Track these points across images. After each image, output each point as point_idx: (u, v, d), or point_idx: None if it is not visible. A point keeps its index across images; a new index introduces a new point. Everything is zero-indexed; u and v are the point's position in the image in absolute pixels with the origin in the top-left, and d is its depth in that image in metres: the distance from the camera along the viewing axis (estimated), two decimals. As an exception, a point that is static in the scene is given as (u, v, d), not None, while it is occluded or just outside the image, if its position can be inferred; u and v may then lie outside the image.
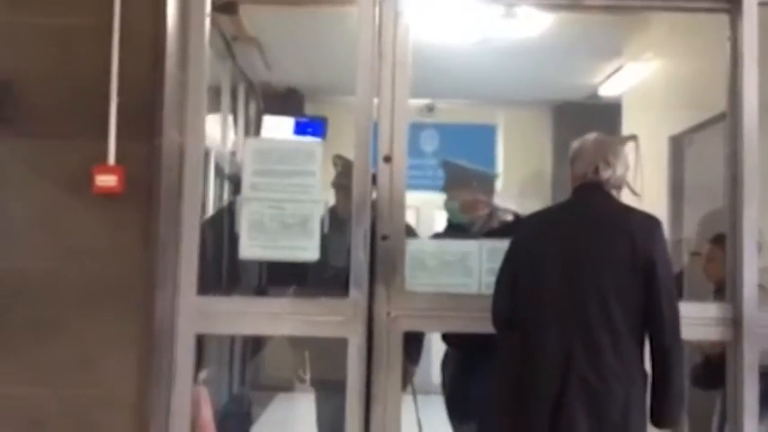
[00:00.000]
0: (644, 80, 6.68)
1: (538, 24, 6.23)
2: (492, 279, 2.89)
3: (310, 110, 8.76)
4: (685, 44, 5.73)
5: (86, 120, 2.80)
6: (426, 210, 7.40)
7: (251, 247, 3.10)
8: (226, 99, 7.25)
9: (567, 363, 2.56)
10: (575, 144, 2.86)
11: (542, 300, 2.66)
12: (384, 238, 3.11)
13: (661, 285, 2.58)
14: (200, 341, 3.13)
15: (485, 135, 8.74)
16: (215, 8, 5.86)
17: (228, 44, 6.89)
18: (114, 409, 2.78)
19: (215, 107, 6.98)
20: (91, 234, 2.79)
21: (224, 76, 7.24)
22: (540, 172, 8.65)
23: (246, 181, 3.11)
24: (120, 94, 2.80)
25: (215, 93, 7.03)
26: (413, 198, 5.16)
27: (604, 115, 7.57)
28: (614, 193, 2.78)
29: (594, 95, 8.04)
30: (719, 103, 4.92)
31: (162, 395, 2.92)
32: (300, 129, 8.21)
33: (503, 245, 2.88)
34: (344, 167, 3.56)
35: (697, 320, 3.06)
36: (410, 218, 4.31)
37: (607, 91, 7.77)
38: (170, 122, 2.88)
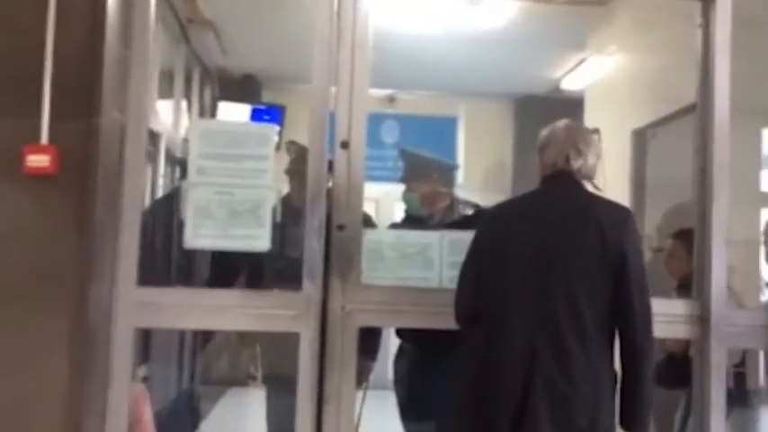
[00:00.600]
0: (607, 74, 6.61)
1: (502, 15, 6.12)
2: (453, 273, 2.75)
3: (268, 98, 8.59)
4: (649, 37, 5.67)
5: (18, 96, 2.58)
6: (386, 202, 7.26)
7: (197, 236, 2.90)
8: (179, 84, 7.00)
9: (533, 363, 2.42)
10: (544, 131, 2.72)
11: (507, 295, 2.52)
12: (340, 227, 2.94)
13: (632, 280, 2.45)
14: (146, 335, 2.94)
15: (446, 127, 8.62)
16: (168, -12, 5.68)
17: (183, 27, 6.65)
18: (45, 407, 2.58)
19: (168, 92, 6.74)
20: (20, 218, 2.57)
21: (178, 60, 6.99)
22: (501, 165, 8.57)
23: (193, 164, 2.91)
24: (55, 68, 2.58)
25: (168, 77, 6.80)
26: (372, 190, 5.03)
27: (567, 109, 7.50)
28: (585, 183, 2.64)
29: (557, 89, 7.98)
30: (684, 97, 4.89)
31: (97, 393, 2.72)
32: (257, 116, 8.05)
33: (465, 236, 2.73)
34: (298, 154, 3.39)
35: (663, 317, 2.92)
36: (369, 211, 4.16)
37: (570, 84, 7.72)
38: (110, 100, 2.68)
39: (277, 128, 3.26)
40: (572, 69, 7.58)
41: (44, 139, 2.57)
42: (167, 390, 4.48)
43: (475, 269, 2.61)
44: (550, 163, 2.65)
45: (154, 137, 5.61)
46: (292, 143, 3.51)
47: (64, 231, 2.59)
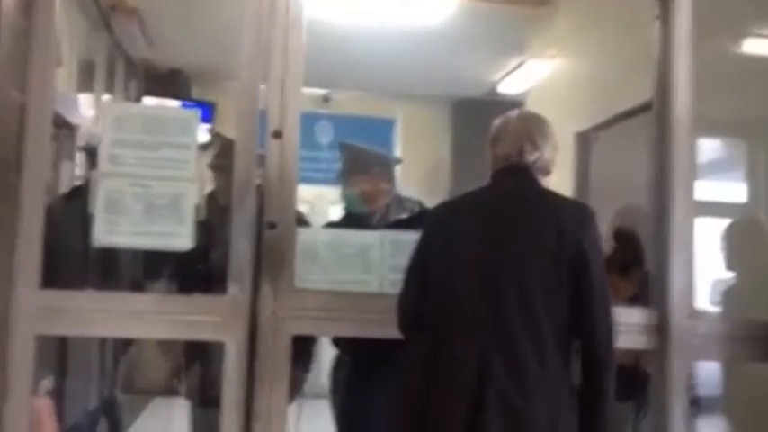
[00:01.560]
0: (548, 77, 6.48)
1: (439, 12, 5.92)
2: (396, 276, 2.49)
3: (198, 94, 8.22)
4: (592, 39, 5.57)
5: None
6: (320, 205, 6.99)
7: (109, 233, 2.57)
8: (101, 76, 6.60)
9: (483, 375, 2.16)
10: (496, 122, 2.47)
11: (455, 300, 2.26)
12: (271, 226, 2.65)
13: (594, 284, 2.22)
14: (61, 343, 2.60)
15: (383, 129, 8.37)
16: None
17: (104, 14, 6.26)
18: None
19: (88, 85, 6.33)
20: None
21: (99, 51, 6.60)
22: (439, 168, 8.38)
23: (104, 153, 2.59)
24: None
25: (88, 68, 6.39)
26: (306, 192, 4.75)
27: (505, 113, 7.39)
28: (541, 178, 2.40)
29: (494, 92, 7.83)
30: (629, 99, 4.79)
31: (-11, 410, 2.37)
32: (185, 113, 7.61)
33: (409, 237, 2.47)
34: (224, 147, 3.08)
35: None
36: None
37: (507, 88, 7.60)
38: (3, 77, 2.33)
39: (205, 124, 2.92)
40: (510, 72, 7.46)
41: (-74, 117, 2.22)
42: (86, 401, 4.10)
43: (420, 271, 2.36)
44: (502, 155, 2.40)
45: (72, 130, 5.22)
46: (217, 135, 3.21)
47: (-52, 225, 2.24)
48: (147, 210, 2.58)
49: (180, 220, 2.60)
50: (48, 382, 2.75)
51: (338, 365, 3.38)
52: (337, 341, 3.24)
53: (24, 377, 2.47)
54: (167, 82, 8.02)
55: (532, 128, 2.41)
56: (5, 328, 2.43)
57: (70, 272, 3.00)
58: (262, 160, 2.69)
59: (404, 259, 2.44)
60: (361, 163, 3.26)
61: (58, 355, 3.35)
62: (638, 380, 3.21)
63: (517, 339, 2.19)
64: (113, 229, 2.57)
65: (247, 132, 2.68)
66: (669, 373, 2.75)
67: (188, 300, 2.62)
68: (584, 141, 5.36)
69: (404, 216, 3.25)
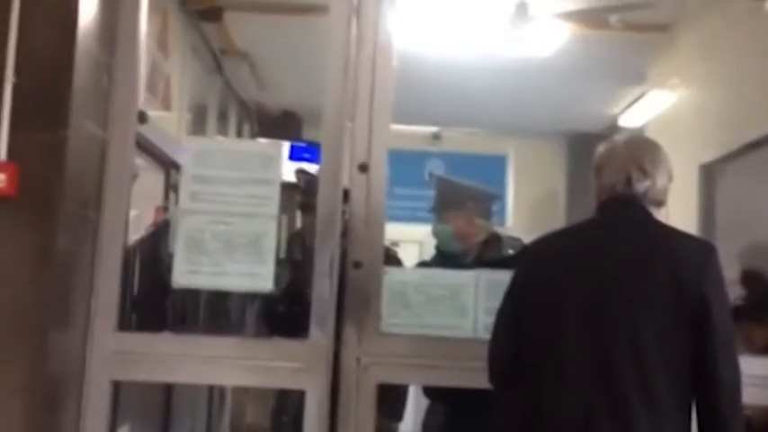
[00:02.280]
0: (670, 107, 6.11)
1: (551, 42, 5.66)
2: (491, 320, 2.25)
3: (309, 134, 8.23)
4: (716, 64, 5.19)
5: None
6: (430, 245, 6.81)
7: (188, 273, 2.47)
8: (212, 118, 6.69)
9: (588, 429, 1.91)
10: (601, 148, 2.21)
11: (556, 349, 2.02)
12: (357, 265, 2.48)
13: (716, 332, 1.93)
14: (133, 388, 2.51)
15: (495, 166, 8.17)
16: (197, 14, 5.39)
17: (216, 57, 6.35)
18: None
19: (201, 128, 6.43)
20: (-30, 249, 2.17)
21: (211, 94, 6.70)
22: (553, 207, 8.06)
23: (185, 189, 2.50)
24: (17, 73, 2.19)
25: (201, 111, 6.49)
26: (415, 232, 4.58)
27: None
28: (654, 210, 2.13)
29: (614, 126, 7.47)
30: (756, 129, 4.41)
31: (62, 460, 2.28)
32: (296, 154, 7.66)
33: (506, 277, 2.24)
34: (309, 183, 2.95)
35: (746, 378, 2.38)
36: (412, 255, 3.68)
37: (628, 121, 7.21)
38: (81, 110, 2.27)
39: (283, 144, 2.80)
40: (631, 104, 7.09)
41: (2, 154, 2.17)
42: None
43: (515, 315, 2.12)
44: (608, 185, 2.13)
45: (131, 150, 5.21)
46: (302, 172, 3.08)
47: (22, 265, 2.18)
48: (226, 248, 2.47)
49: (260, 260, 2.47)
50: (126, 430, 2.65)
51: (431, 414, 3.15)
52: (428, 390, 3.01)
53: (100, 425, 2.38)
54: (279, 124, 8.09)
55: (641, 153, 2.14)
56: (79, 373, 2.34)
57: (145, 314, 2.92)
58: (347, 195, 2.55)
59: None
60: (454, 197, 3.07)
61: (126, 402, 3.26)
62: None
63: (627, 394, 1.92)
64: (192, 269, 2.46)
65: (332, 167, 2.54)
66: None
67: (268, 344, 2.48)
68: (710, 174, 5.00)
69: (505, 254, 3.03)
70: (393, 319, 2.51)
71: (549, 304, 2.06)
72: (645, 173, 2.10)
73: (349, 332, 2.46)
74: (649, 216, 2.10)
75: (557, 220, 7.96)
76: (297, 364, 2.41)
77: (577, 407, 1.95)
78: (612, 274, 2.01)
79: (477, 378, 2.29)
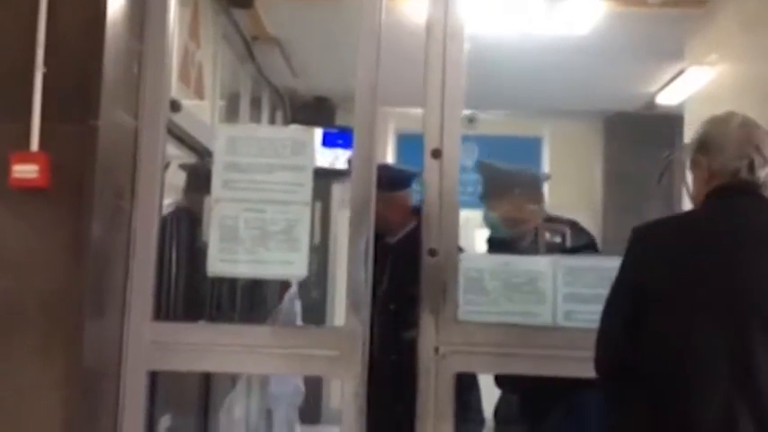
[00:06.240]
0: (708, 84, 5.96)
1: (587, 20, 5.56)
2: (570, 308, 2.29)
3: (343, 120, 8.19)
4: (757, 39, 5.05)
5: (3, 95, 2.19)
6: (465, 230, 6.74)
7: (222, 262, 2.45)
8: (245, 106, 6.68)
9: None
10: (707, 128, 2.07)
11: (688, 350, 1.89)
12: (432, 253, 2.45)
13: None
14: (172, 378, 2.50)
15: (530, 148, 8.07)
16: (228, 1, 5.36)
17: (248, 44, 6.32)
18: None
19: (234, 116, 6.42)
20: (4, 241, 2.17)
21: (244, 82, 6.68)
22: (590, 188, 7.93)
23: (217, 178, 2.48)
24: (47, 62, 2.19)
25: (234, 99, 6.48)
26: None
27: (662, 127, 6.89)
28: None
29: (651, 105, 7.32)
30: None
31: (100, 450, 2.29)
32: (329, 140, 7.62)
33: (586, 263, 2.25)
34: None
35: None
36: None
37: (666, 99, 7.06)
38: (112, 99, 2.26)
39: (316, 130, 2.77)
40: (669, 82, 6.94)
41: (34, 145, 2.17)
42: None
43: (630, 306, 1.97)
44: (727, 171, 1.99)
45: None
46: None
47: (56, 257, 2.17)
48: (260, 236, 2.45)
49: (294, 248, 2.44)
50: (167, 420, 2.65)
51: (500, 408, 3.08)
52: (501, 379, 2.93)
53: (137, 416, 2.38)
54: (313, 110, 8.07)
55: (758, 138, 2.00)
56: (116, 363, 2.34)
57: (177, 303, 2.91)
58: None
59: (579, 288, 2.27)
60: (502, 184, 3.00)
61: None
62: None
63: None
64: (226, 258, 2.45)
65: (365, 152, 2.50)
66: None
67: (303, 332, 2.46)
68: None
69: (557, 239, 2.95)
70: (470, 306, 2.48)
71: (676, 301, 1.92)
72: (765, 158, 1.98)
73: (426, 321, 2.44)
74: None
75: (594, 201, 7.86)
76: (332, 351, 2.39)
77: (716, 418, 1.83)
78: (748, 269, 1.89)
79: (558, 366, 2.34)
